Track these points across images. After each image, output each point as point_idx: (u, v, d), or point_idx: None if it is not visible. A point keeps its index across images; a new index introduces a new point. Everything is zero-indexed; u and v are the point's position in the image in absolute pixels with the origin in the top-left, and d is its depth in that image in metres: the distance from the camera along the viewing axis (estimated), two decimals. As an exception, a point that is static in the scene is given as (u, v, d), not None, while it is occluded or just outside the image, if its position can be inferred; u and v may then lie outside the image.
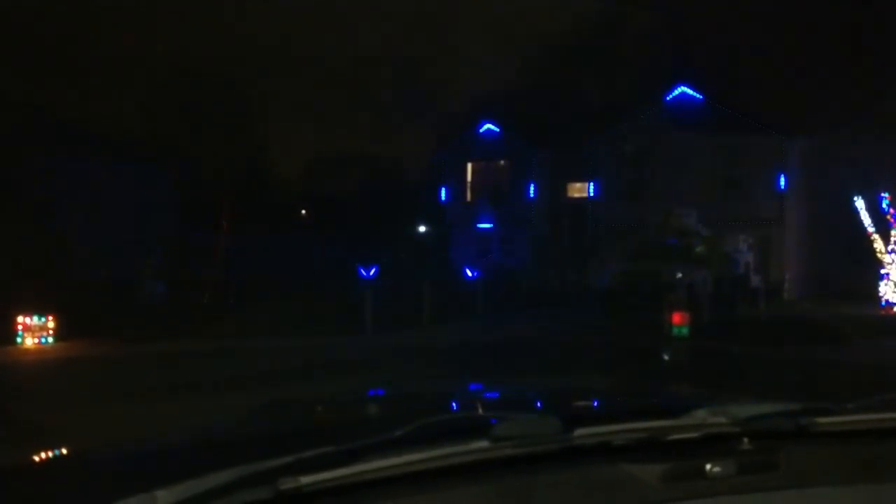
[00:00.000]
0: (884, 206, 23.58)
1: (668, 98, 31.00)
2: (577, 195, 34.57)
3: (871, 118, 26.47)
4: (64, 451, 2.31)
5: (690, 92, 30.52)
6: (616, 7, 36.60)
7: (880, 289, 23.63)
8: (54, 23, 30.20)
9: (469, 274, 24.28)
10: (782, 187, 29.21)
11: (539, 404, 2.72)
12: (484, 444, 1.63)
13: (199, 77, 35.14)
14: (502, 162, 35.60)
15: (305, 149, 48.61)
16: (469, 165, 36.13)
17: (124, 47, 33.81)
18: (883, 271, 23.72)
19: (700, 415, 1.88)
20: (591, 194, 33.31)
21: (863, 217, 23.95)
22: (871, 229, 23.87)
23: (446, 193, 36.47)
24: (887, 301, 23.42)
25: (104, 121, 30.48)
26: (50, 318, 17.03)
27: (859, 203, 23.97)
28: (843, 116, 27.20)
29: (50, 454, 2.24)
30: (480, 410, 2.46)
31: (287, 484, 1.49)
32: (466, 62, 42.02)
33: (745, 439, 1.84)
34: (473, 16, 40.04)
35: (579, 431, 1.70)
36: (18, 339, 16.74)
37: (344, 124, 49.86)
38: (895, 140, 24.61)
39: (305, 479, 1.51)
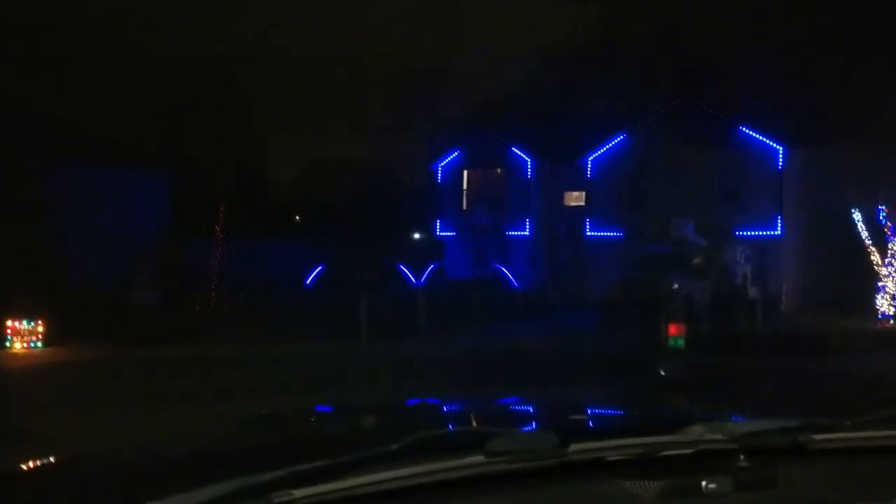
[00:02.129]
0: (881, 218, 23.60)
1: (666, 108, 31.03)
2: (574, 204, 34.56)
3: (870, 131, 26.55)
4: (52, 459, 2.29)
5: (689, 102, 30.55)
6: (616, 17, 36.73)
7: (877, 301, 23.64)
8: (52, 26, 30.23)
9: (465, 282, 24.24)
10: (780, 199, 29.23)
11: (535, 418, 2.71)
12: (479, 458, 1.62)
13: (196, 82, 35.18)
14: (499, 170, 35.61)
15: (302, 154, 48.65)
16: (465, 173, 36.13)
17: (120, 52, 33.81)
18: (880, 284, 23.73)
19: (696, 430, 1.86)
20: (588, 203, 33.31)
21: (860, 229, 23.96)
22: (868, 242, 23.89)
23: (443, 201, 36.46)
24: (884, 314, 23.42)
25: (99, 124, 30.47)
26: (39, 322, 16.89)
27: (857, 215, 23.99)
28: (841, 129, 27.28)
29: (38, 463, 2.22)
30: (475, 424, 2.44)
31: (280, 498, 1.48)
32: (465, 70, 42.01)
33: (742, 456, 1.83)
34: (472, 23, 40.12)
35: (575, 447, 1.69)
36: (7, 344, 16.60)
37: (341, 130, 49.93)
38: (893, 153, 24.66)
39: (299, 493, 1.49)
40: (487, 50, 42.11)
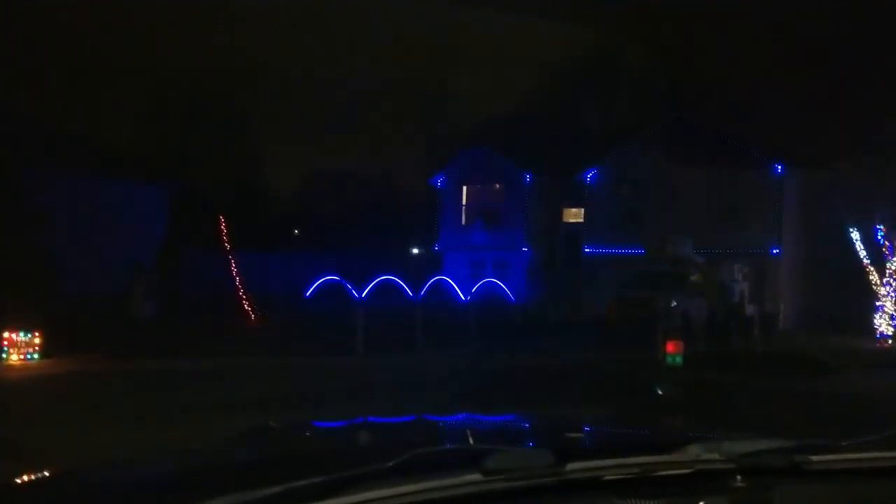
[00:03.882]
0: (879, 237, 23.61)
1: (665, 125, 31.10)
2: (572, 220, 34.60)
3: (868, 151, 26.63)
4: (47, 473, 2.27)
5: (688, 120, 30.62)
6: (615, 35, 36.86)
7: (875, 321, 23.61)
8: (52, 37, 30.30)
9: (462, 298, 24.23)
10: (778, 217, 29.27)
11: (531, 437, 2.70)
12: (476, 477, 1.61)
13: (195, 94, 35.23)
14: (498, 185, 35.67)
15: (300, 168, 48.72)
16: (465, 188, 36.19)
17: (120, 63, 33.87)
18: (878, 303, 23.70)
19: (693, 450, 1.86)
20: (586, 220, 33.33)
21: (858, 249, 23.98)
22: (866, 261, 23.90)
23: (441, 216, 36.49)
24: (882, 333, 23.39)
25: (97, 134, 30.47)
26: (36, 334, 16.82)
27: (855, 235, 24.01)
28: (840, 148, 27.35)
29: (33, 476, 2.20)
30: (472, 442, 2.43)
31: (275, 515, 1.47)
32: (464, 86, 42.18)
33: (739, 476, 1.82)
34: (471, 40, 40.27)
35: (571, 466, 1.68)
36: (3, 355, 16.52)
37: (340, 145, 50.00)
38: (891, 172, 24.71)
39: (293, 510, 1.48)
40: (487, 65, 42.29)
